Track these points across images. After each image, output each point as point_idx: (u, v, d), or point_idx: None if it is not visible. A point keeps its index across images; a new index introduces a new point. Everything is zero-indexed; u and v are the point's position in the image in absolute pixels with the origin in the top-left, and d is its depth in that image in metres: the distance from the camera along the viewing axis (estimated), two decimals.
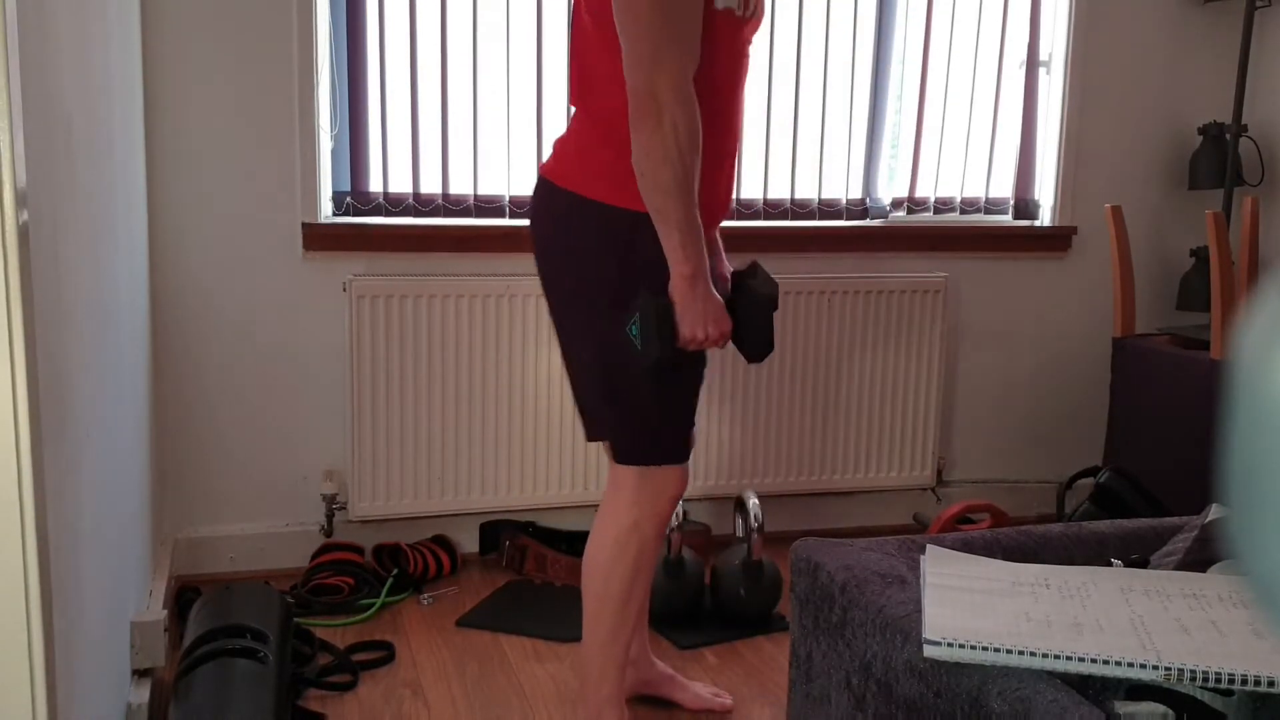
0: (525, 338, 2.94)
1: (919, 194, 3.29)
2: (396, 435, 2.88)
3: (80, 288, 1.60)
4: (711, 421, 3.10)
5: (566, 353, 2.02)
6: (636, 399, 1.93)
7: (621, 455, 1.97)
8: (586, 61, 1.91)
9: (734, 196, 2.03)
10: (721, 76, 1.88)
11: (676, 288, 1.83)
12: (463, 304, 2.88)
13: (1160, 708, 1.15)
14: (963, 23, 3.24)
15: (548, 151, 2.94)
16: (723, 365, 3.06)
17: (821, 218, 3.22)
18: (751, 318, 1.92)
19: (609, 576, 1.98)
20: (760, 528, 2.65)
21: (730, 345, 1.95)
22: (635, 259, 1.86)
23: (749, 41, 1.95)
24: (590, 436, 2.05)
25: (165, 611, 2.26)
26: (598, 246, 1.89)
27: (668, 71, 1.75)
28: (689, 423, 2.00)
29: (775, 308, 1.95)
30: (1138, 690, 1.25)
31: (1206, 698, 1.23)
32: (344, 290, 2.84)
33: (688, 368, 1.95)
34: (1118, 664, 1.21)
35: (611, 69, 1.83)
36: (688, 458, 2.00)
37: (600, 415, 1.99)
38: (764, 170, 3.14)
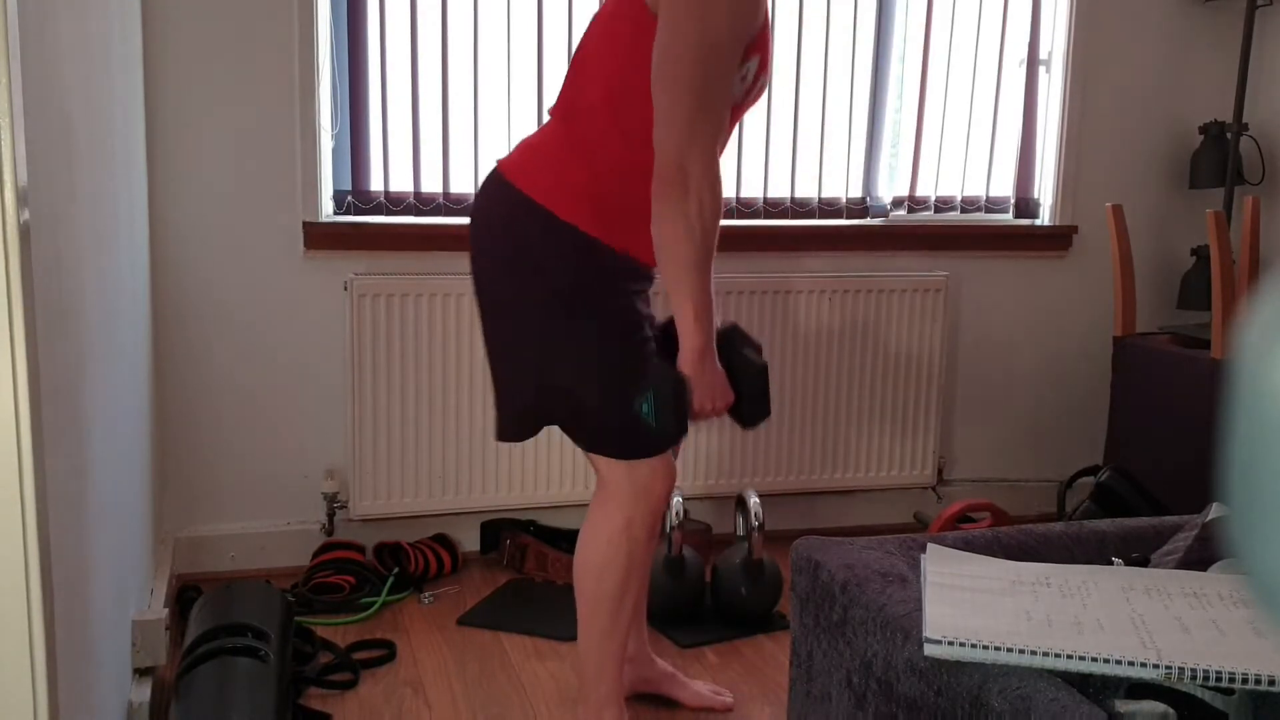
0: None
1: (919, 193, 3.29)
2: (397, 434, 2.89)
3: (81, 287, 1.60)
4: (712, 420, 3.09)
5: (499, 353, 1.98)
6: (592, 398, 1.91)
7: (597, 447, 1.95)
8: (582, 83, 1.90)
9: (724, 206, 2.04)
10: None
11: (688, 361, 1.85)
12: (464, 303, 2.88)
13: (1161, 706, 1.15)
14: (963, 21, 3.24)
15: None
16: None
17: (822, 216, 3.22)
18: (751, 388, 1.96)
19: (601, 576, 1.98)
20: (761, 526, 2.65)
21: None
22: (589, 270, 1.87)
23: (738, 118, 1.95)
24: (502, 436, 2.00)
25: (166, 610, 2.26)
26: (558, 260, 1.88)
27: (700, 146, 1.75)
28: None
29: (768, 374, 2.00)
30: (1138, 689, 1.25)
31: (1207, 696, 1.23)
32: (345, 289, 2.84)
33: (630, 355, 1.93)
34: (1118, 663, 1.21)
35: (604, 99, 1.84)
36: (663, 451, 1.95)
37: (535, 412, 1.96)
38: (764, 169, 3.14)
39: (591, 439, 1.94)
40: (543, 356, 1.91)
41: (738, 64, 1.81)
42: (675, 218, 1.76)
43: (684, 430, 1.89)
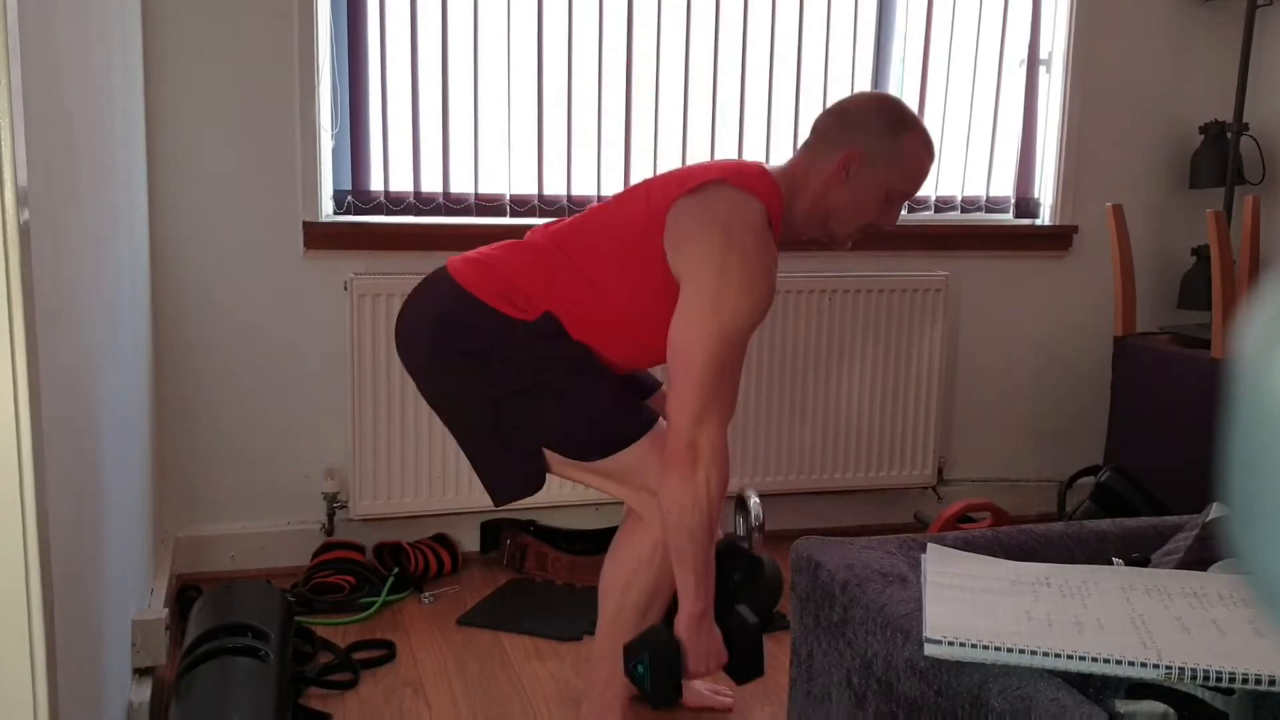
0: None
1: (920, 192, 3.28)
2: (397, 434, 2.88)
3: (81, 287, 1.60)
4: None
5: (472, 441, 2.01)
6: (556, 419, 1.94)
7: (590, 454, 1.96)
8: (575, 254, 1.94)
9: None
10: (645, 338, 1.94)
11: (685, 625, 1.90)
12: None
13: (1161, 706, 1.15)
14: (963, 21, 3.24)
15: (548, 150, 2.97)
16: None
17: None
18: (744, 652, 1.98)
19: (628, 590, 1.99)
20: (761, 526, 2.65)
21: None
22: (533, 340, 1.91)
23: None
24: (500, 500, 2.03)
25: (166, 610, 2.26)
26: (497, 338, 1.91)
27: (710, 428, 1.82)
28: (625, 397, 1.98)
29: (770, 625, 2.04)
30: (1138, 689, 1.25)
31: (1207, 696, 1.23)
32: (345, 289, 2.84)
33: (580, 374, 1.95)
34: (1118, 663, 1.21)
35: (597, 276, 1.90)
36: (653, 425, 1.96)
37: (507, 464, 1.99)
38: None
39: (587, 450, 1.95)
40: (510, 419, 1.93)
41: (747, 345, 1.90)
42: (683, 491, 1.82)
43: (678, 694, 1.93)
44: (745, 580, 1.99)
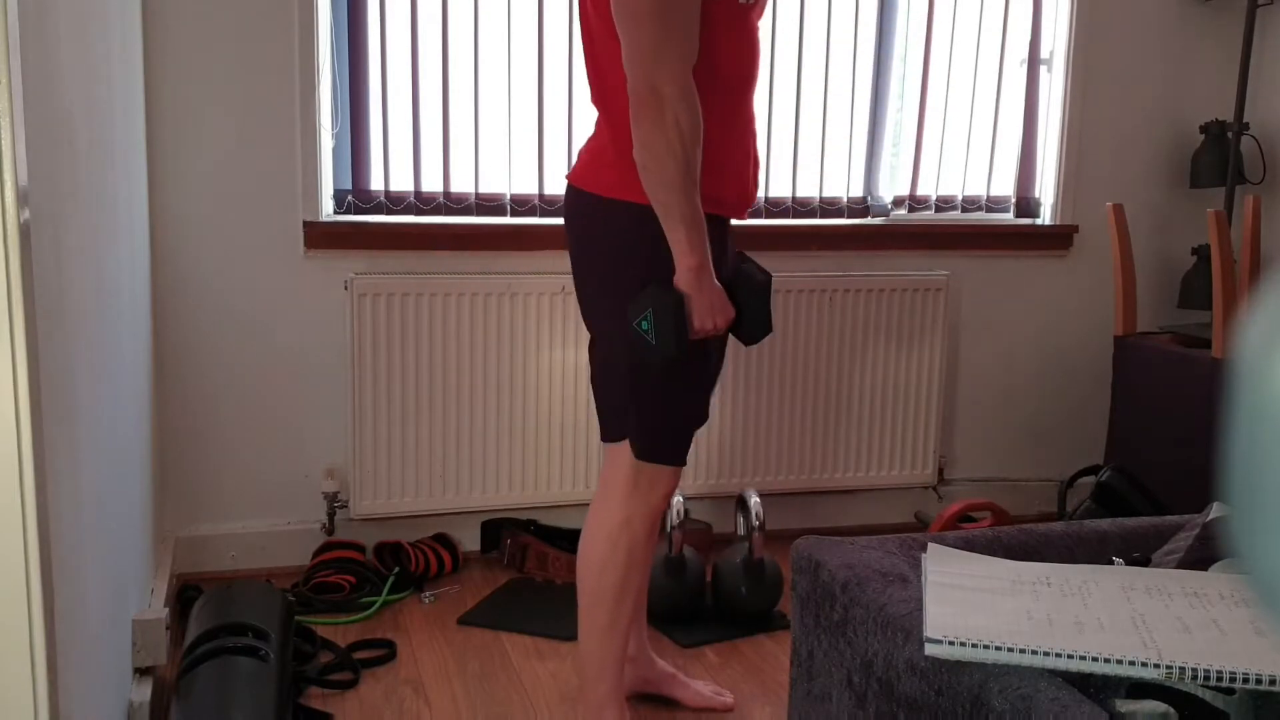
0: (526, 336, 2.94)
1: (920, 192, 3.29)
2: (398, 433, 2.89)
3: (82, 286, 1.60)
4: (713, 419, 3.10)
5: (597, 353, 2.05)
6: (657, 397, 1.94)
7: (640, 452, 1.97)
8: (599, 66, 1.92)
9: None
10: (730, 68, 1.88)
11: (684, 280, 1.84)
12: (464, 302, 2.88)
13: (1161, 706, 1.15)
14: (964, 21, 3.24)
15: (550, 149, 2.97)
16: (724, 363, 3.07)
17: (823, 216, 3.22)
18: (751, 302, 1.95)
19: (601, 573, 1.99)
20: (761, 526, 2.65)
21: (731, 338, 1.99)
22: (660, 254, 1.85)
23: (756, 28, 1.93)
24: (606, 436, 2.04)
25: (167, 609, 2.26)
26: (621, 244, 1.90)
27: (668, 67, 1.75)
28: (702, 420, 2.02)
29: (771, 291, 1.99)
30: (1139, 689, 1.25)
31: (1208, 696, 1.23)
32: (345, 288, 2.84)
33: (699, 363, 1.95)
34: (1119, 662, 1.21)
35: (620, 73, 1.83)
36: (681, 463, 2.01)
37: (624, 413, 1.98)
38: (766, 168, 3.14)
39: (633, 428, 1.96)
40: (625, 349, 1.92)
41: None
42: (654, 140, 1.76)
43: (684, 349, 1.85)
44: (744, 257, 2.02)
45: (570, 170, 2.01)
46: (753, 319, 1.96)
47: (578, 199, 1.96)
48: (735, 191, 1.95)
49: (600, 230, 1.93)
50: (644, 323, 1.83)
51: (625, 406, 1.98)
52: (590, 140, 1.99)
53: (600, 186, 1.91)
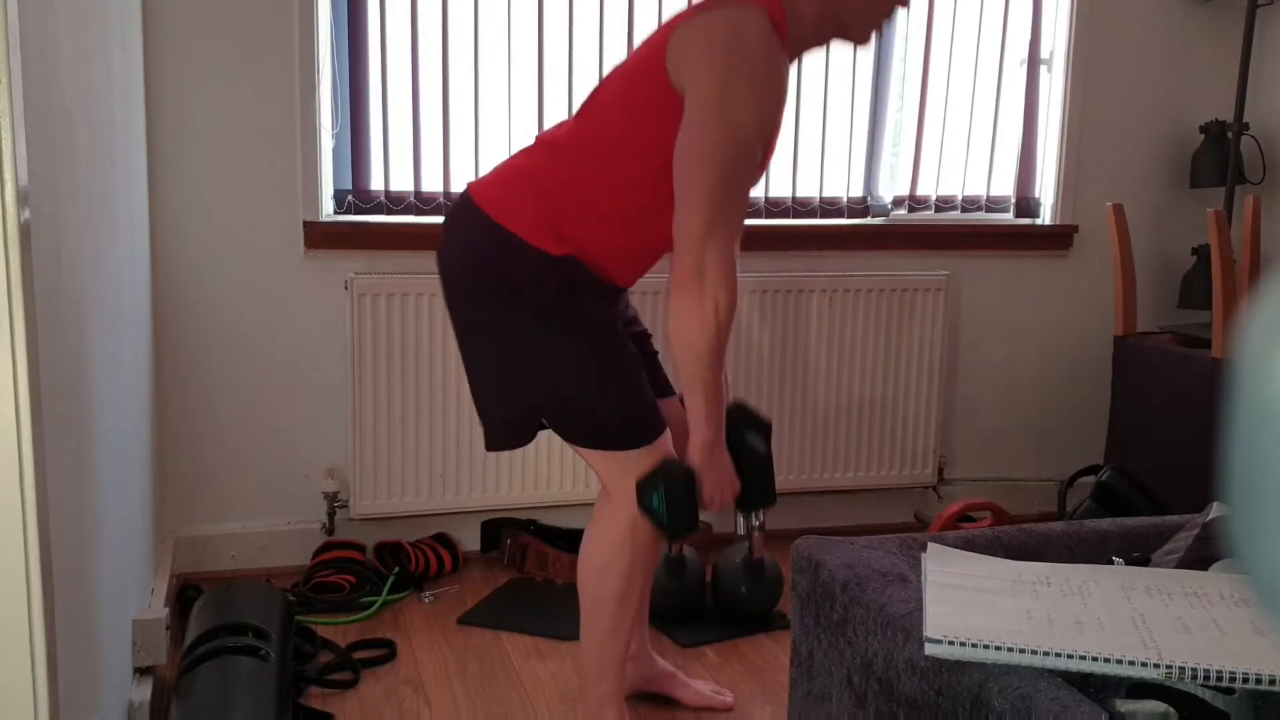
0: None
1: (920, 192, 3.29)
2: (398, 433, 2.89)
3: (82, 286, 1.60)
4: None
5: (478, 370, 2.00)
6: (575, 397, 1.93)
7: (609, 444, 1.95)
8: (587, 128, 1.92)
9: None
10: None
11: (698, 452, 1.89)
12: None
13: (1161, 706, 1.15)
14: (964, 21, 3.24)
15: None
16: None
17: (823, 216, 3.22)
18: (757, 477, 1.99)
19: (604, 577, 1.98)
20: (761, 526, 2.65)
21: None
22: (560, 284, 1.89)
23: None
24: (491, 446, 2.03)
25: (167, 609, 2.26)
26: (530, 277, 1.90)
27: (717, 247, 1.80)
28: (643, 403, 1.97)
29: (772, 460, 2.03)
30: (1139, 688, 1.25)
31: (1208, 696, 1.23)
32: (345, 288, 2.84)
33: (611, 353, 1.94)
34: (1119, 662, 1.21)
35: (605, 146, 1.87)
36: (652, 440, 1.95)
37: (522, 421, 1.98)
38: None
39: (582, 436, 1.95)
40: (523, 368, 1.92)
41: (757, 158, 1.85)
42: (692, 314, 1.81)
43: (695, 524, 1.92)
44: (747, 418, 2.03)
45: (479, 180, 1.98)
46: (758, 492, 2.00)
47: (484, 223, 1.91)
48: (630, 279, 2.01)
49: (497, 263, 1.90)
50: (655, 500, 1.87)
51: (521, 421, 1.98)
52: (521, 158, 1.96)
53: (514, 223, 1.89)
